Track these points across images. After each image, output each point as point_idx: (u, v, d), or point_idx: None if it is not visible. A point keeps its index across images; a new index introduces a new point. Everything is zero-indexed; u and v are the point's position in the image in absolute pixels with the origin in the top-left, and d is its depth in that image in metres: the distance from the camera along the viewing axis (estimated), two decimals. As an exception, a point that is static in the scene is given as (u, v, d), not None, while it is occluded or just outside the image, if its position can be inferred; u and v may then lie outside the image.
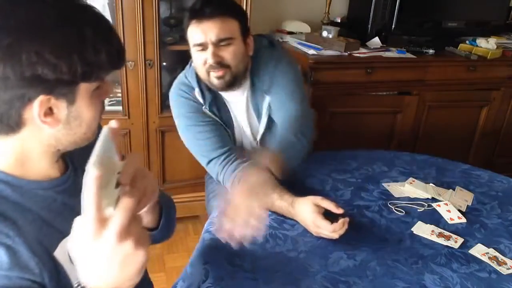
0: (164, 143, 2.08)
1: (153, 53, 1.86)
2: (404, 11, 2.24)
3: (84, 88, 0.64)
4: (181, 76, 1.37)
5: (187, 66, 1.37)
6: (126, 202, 0.52)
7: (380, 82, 2.17)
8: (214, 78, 1.23)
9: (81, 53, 0.60)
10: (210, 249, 1.01)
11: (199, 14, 1.19)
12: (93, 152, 0.52)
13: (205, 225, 1.12)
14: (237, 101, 1.36)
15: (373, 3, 2.21)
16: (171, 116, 2.03)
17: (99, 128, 0.91)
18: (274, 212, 1.14)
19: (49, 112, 0.63)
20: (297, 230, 1.09)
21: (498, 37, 2.47)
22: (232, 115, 1.37)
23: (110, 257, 0.51)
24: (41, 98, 0.60)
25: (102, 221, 0.51)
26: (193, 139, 1.30)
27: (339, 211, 1.05)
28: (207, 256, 0.98)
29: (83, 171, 0.78)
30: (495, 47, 2.30)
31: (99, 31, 0.62)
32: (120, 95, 1.93)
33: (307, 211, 1.05)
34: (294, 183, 1.28)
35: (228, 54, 1.21)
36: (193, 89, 1.30)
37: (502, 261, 1.02)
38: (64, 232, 0.70)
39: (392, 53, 2.19)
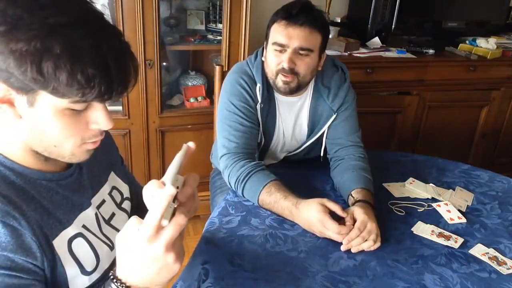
0: (164, 143, 2.08)
1: (153, 53, 1.86)
2: (404, 11, 2.24)
3: (47, 98, 0.61)
4: (243, 65, 1.37)
5: (251, 57, 1.38)
6: (181, 219, 0.58)
7: (380, 82, 2.17)
8: (280, 81, 1.25)
9: (38, 60, 0.57)
10: (210, 249, 1.01)
11: (292, 18, 1.20)
12: (171, 167, 0.61)
13: (205, 225, 1.12)
14: (292, 103, 1.36)
15: (373, 3, 2.21)
16: (171, 116, 2.06)
17: (106, 133, 0.92)
18: (273, 213, 1.14)
19: (9, 102, 0.62)
20: (297, 230, 1.09)
21: (498, 37, 2.47)
22: (278, 119, 1.38)
23: (153, 262, 0.58)
24: None
25: (159, 229, 0.57)
26: (229, 125, 1.30)
27: (344, 214, 1.06)
28: (207, 256, 0.98)
29: (88, 170, 0.82)
30: (495, 47, 2.30)
31: (72, 51, 0.58)
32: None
33: (314, 210, 1.05)
34: (295, 183, 1.28)
35: (302, 64, 1.23)
36: (255, 83, 1.31)
37: (502, 261, 1.02)
38: (64, 223, 0.72)
39: (392, 53, 2.20)
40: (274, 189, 1.15)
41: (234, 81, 1.33)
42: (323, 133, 1.38)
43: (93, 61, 0.59)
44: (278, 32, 1.22)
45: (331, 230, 1.03)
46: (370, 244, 1.02)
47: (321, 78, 1.34)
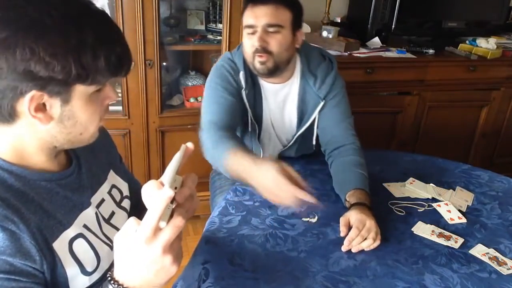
0: (164, 143, 2.08)
1: (153, 53, 1.86)
2: (404, 11, 2.24)
3: (80, 90, 0.65)
4: (227, 54, 1.39)
5: (235, 49, 1.40)
6: (179, 221, 0.58)
7: (380, 82, 2.17)
8: (257, 63, 1.27)
9: (77, 56, 0.60)
10: (210, 248, 1.01)
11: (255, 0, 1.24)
12: (168, 169, 0.59)
13: (206, 224, 1.12)
14: (276, 90, 1.37)
15: (373, 3, 2.21)
16: (171, 116, 2.06)
17: (105, 132, 0.93)
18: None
19: (42, 108, 0.64)
20: (298, 230, 1.09)
21: (498, 37, 2.47)
22: (265, 108, 1.38)
23: (151, 264, 0.58)
24: (33, 93, 0.61)
25: (157, 230, 0.57)
26: (210, 101, 1.31)
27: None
28: (208, 255, 0.98)
29: (87, 169, 0.82)
30: (495, 47, 2.30)
31: (102, 37, 0.63)
32: (120, 95, 1.93)
33: (271, 169, 0.94)
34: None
35: (274, 41, 1.24)
36: (239, 71, 1.33)
37: (502, 261, 1.02)
38: (65, 224, 0.72)
39: (392, 53, 2.20)
40: (240, 152, 1.07)
41: (219, 66, 1.36)
42: (313, 122, 1.38)
43: (115, 41, 0.65)
44: (247, 16, 1.25)
45: (285, 192, 0.92)
46: (369, 243, 1.02)
47: (307, 66, 1.35)
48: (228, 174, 1.11)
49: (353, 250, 1.02)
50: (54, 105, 0.64)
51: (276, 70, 1.29)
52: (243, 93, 1.33)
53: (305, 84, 1.36)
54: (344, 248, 1.02)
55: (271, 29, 1.23)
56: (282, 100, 1.39)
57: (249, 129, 1.39)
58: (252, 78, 1.34)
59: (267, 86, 1.36)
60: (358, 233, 1.03)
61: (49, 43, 0.58)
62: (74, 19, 0.61)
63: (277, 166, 0.95)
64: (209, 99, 1.32)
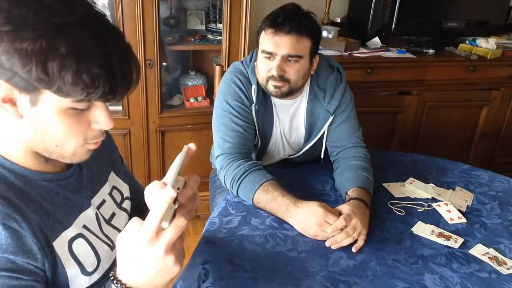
0: (164, 143, 2.08)
1: (153, 53, 1.86)
2: (404, 11, 2.24)
3: (50, 98, 0.61)
4: (239, 65, 1.36)
5: (247, 58, 1.37)
6: (181, 222, 0.59)
7: (380, 82, 2.17)
8: (271, 86, 1.25)
9: (43, 60, 0.57)
10: (210, 249, 1.01)
11: (278, 26, 1.19)
12: (170, 170, 0.60)
13: (206, 225, 1.12)
14: (287, 106, 1.36)
15: (373, 3, 2.21)
16: (171, 116, 2.07)
17: (107, 134, 0.92)
18: (266, 212, 1.14)
19: (12, 101, 0.62)
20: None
21: (498, 37, 2.47)
22: (275, 121, 1.37)
23: (153, 264, 0.59)
24: (1, 82, 0.59)
25: (159, 231, 0.58)
26: (224, 125, 1.30)
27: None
28: (207, 256, 0.98)
29: (88, 170, 0.82)
30: (495, 47, 2.30)
31: (79, 52, 0.58)
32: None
33: (313, 212, 1.05)
34: (295, 183, 1.28)
35: (292, 70, 1.22)
36: (251, 85, 1.31)
37: (502, 261, 1.02)
38: (64, 224, 0.72)
39: (392, 53, 2.20)
40: (271, 188, 1.14)
41: (230, 81, 1.33)
42: (322, 135, 1.37)
43: (98, 61, 0.59)
44: (266, 40, 1.22)
45: (332, 223, 1.03)
46: (349, 241, 1.02)
47: (316, 80, 1.33)
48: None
49: (333, 247, 1.02)
50: (23, 103, 0.62)
51: (289, 94, 1.28)
52: (253, 108, 1.31)
53: (314, 98, 1.34)
54: (327, 243, 1.03)
55: (290, 59, 1.21)
56: (291, 115, 1.38)
57: (254, 142, 1.37)
58: (264, 93, 1.32)
59: (278, 102, 1.34)
60: (344, 225, 1.03)
61: (19, 37, 0.56)
62: (57, 26, 0.57)
63: (320, 209, 1.05)
64: (222, 123, 1.30)
